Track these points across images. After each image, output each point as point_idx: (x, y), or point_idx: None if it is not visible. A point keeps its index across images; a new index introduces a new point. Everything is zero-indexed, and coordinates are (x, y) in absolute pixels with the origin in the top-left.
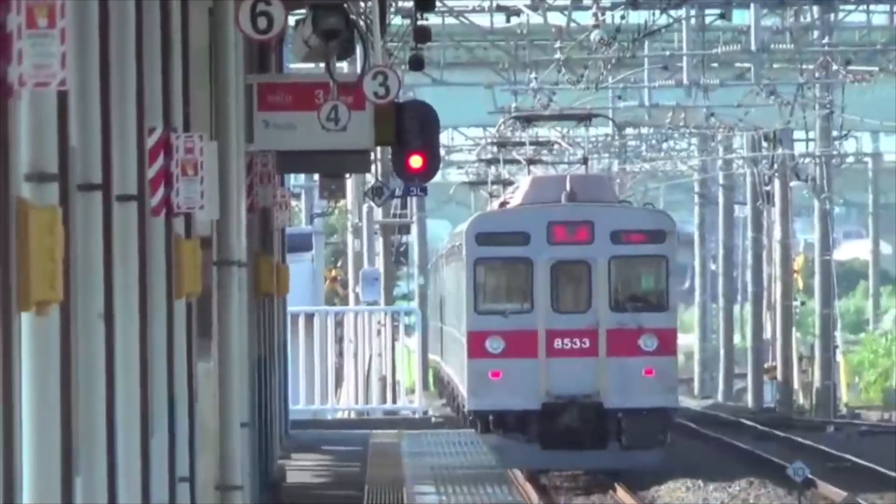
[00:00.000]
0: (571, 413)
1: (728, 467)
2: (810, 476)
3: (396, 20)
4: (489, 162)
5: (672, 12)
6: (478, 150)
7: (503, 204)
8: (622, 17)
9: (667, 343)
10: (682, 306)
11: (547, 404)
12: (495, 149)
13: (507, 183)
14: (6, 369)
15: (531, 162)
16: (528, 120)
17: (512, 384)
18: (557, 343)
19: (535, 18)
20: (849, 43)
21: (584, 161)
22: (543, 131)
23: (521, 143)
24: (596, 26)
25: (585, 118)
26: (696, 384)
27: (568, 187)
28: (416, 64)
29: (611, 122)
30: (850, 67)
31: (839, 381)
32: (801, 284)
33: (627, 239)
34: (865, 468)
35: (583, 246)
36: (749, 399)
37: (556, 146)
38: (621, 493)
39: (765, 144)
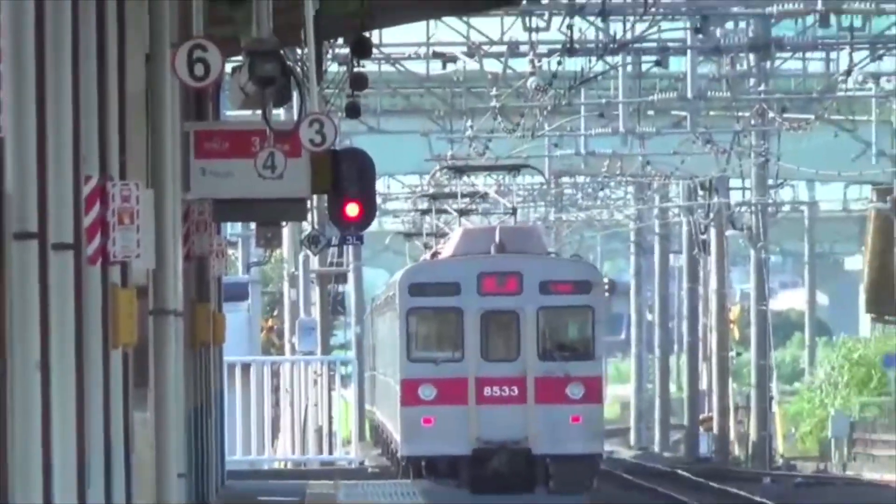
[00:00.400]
0: (501, 458)
1: None
2: None
3: (333, 67)
4: (423, 212)
5: (608, 59)
6: (413, 198)
7: (435, 255)
8: (558, 64)
9: (593, 391)
10: (619, 356)
11: (477, 450)
12: (428, 200)
13: (440, 234)
14: None
15: (462, 213)
16: (459, 171)
17: (443, 430)
18: (487, 391)
19: (472, 65)
20: (785, 91)
21: (514, 212)
22: (480, 180)
23: (453, 195)
24: (532, 73)
25: (515, 168)
26: (632, 434)
27: (497, 239)
28: (353, 111)
29: (542, 173)
30: (786, 115)
31: (775, 432)
32: (736, 334)
33: (555, 289)
34: None
35: (512, 296)
36: (683, 450)
37: (487, 197)
38: None
39: (701, 193)
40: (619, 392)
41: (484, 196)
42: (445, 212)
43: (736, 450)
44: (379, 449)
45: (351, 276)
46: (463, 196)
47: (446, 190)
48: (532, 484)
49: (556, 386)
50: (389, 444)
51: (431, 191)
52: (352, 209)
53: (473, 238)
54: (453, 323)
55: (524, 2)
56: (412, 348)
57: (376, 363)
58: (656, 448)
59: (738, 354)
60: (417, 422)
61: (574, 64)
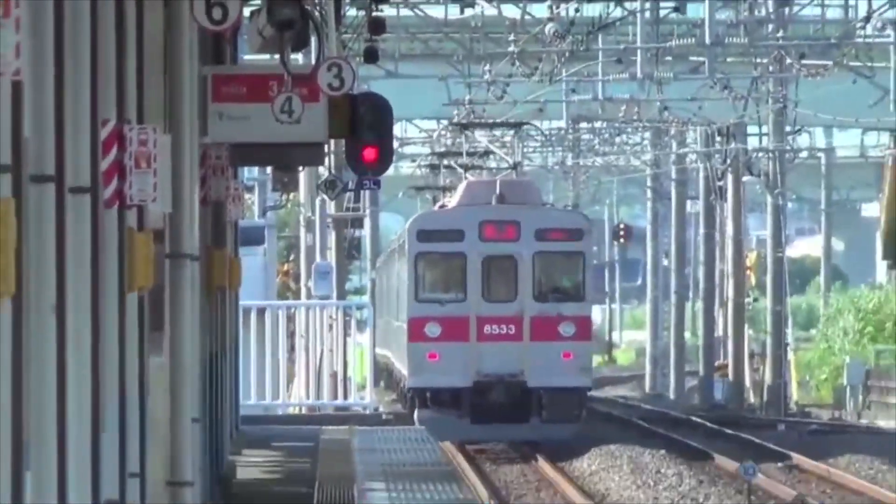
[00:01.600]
0: (499, 390)
1: (677, 466)
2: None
3: (351, 12)
4: (431, 167)
5: (626, 5)
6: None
7: (442, 206)
8: (576, 10)
9: (583, 329)
10: (634, 302)
11: (477, 383)
12: (437, 157)
13: (448, 188)
14: None
15: (467, 168)
16: (464, 127)
17: (447, 365)
18: (487, 329)
19: (490, 10)
20: (803, 37)
21: (515, 167)
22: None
23: (459, 153)
24: (550, 19)
25: (517, 126)
26: (647, 381)
27: (498, 190)
28: (371, 56)
29: (540, 130)
30: (804, 62)
31: (790, 379)
32: (753, 281)
33: (549, 236)
34: (815, 467)
35: (510, 243)
36: (697, 397)
37: (490, 153)
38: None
39: (718, 139)
40: (634, 338)
41: (487, 152)
42: (452, 168)
43: (751, 397)
44: (393, 395)
45: (367, 221)
46: (468, 153)
47: (456, 144)
48: (527, 414)
49: (549, 324)
50: (399, 382)
51: (441, 149)
52: (369, 154)
53: (476, 190)
54: (457, 267)
55: None
56: (419, 290)
57: (388, 308)
58: (671, 395)
59: (755, 301)
60: (423, 356)
61: (592, 9)
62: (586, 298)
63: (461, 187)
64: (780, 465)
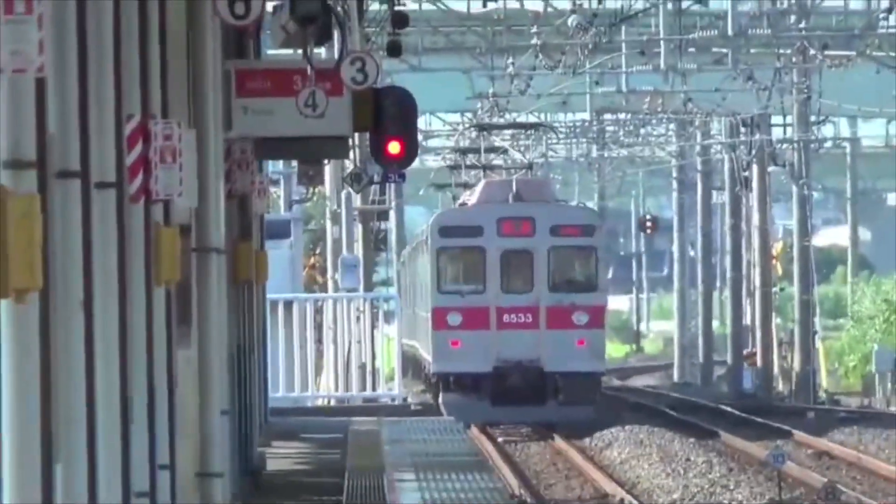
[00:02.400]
0: (517, 375)
1: (707, 454)
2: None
3: (374, 6)
4: (451, 167)
5: None
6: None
7: (462, 204)
8: (599, 2)
9: (596, 318)
10: (661, 291)
11: (497, 368)
12: (458, 155)
13: (468, 186)
14: None
15: (485, 167)
16: (483, 129)
17: (468, 351)
18: (506, 318)
19: (512, 3)
20: (826, 28)
21: (530, 167)
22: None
23: (478, 150)
24: (573, 11)
25: (533, 127)
26: (675, 370)
27: (514, 189)
28: (394, 50)
29: (554, 131)
30: (828, 52)
31: (819, 367)
32: (780, 270)
33: (563, 232)
34: (845, 454)
35: (526, 238)
36: (726, 385)
37: (507, 153)
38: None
39: (742, 130)
40: (662, 328)
41: (504, 151)
42: (473, 166)
43: (780, 385)
44: (422, 385)
45: (392, 214)
46: (486, 151)
47: (476, 141)
48: (544, 397)
49: (563, 314)
50: (424, 368)
51: (465, 143)
52: (393, 147)
53: (494, 188)
54: (477, 260)
55: None
56: (442, 282)
57: (413, 300)
58: (699, 383)
59: (782, 290)
60: (446, 344)
61: (615, 1)
62: (598, 289)
63: (479, 186)
64: (810, 451)
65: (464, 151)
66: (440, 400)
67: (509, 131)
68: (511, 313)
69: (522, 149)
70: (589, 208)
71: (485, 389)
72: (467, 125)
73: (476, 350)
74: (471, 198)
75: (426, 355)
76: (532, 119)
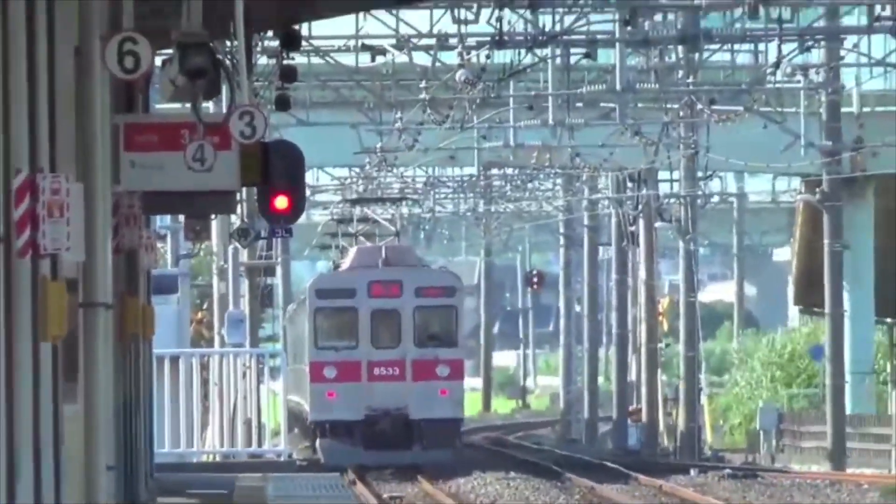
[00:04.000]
0: (386, 422)
1: None
2: None
3: (262, 60)
4: (332, 235)
5: (537, 51)
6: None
7: (337, 267)
8: (487, 57)
9: (456, 371)
10: (546, 347)
11: (368, 416)
12: (336, 224)
13: (344, 249)
14: None
15: (358, 235)
16: (355, 202)
17: (342, 401)
18: (376, 370)
19: (401, 58)
20: (713, 82)
21: (397, 234)
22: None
23: (351, 220)
24: (461, 66)
25: (399, 200)
26: (560, 426)
27: (383, 255)
28: (282, 104)
29: (419, 203)
30: (715, 107)
31: (704, 424)
32: (666, 326)
33: (427, 293)
34: None
35: (394, 298)
36: (611, 442)
37: (377, 224)
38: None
39: (629, 185)
40: (548, 383)
41: (375, 222)
42: (346, 234)
43: (665, 441)
44: (307, 442)
45: (279, 269)
46: (359, 221)
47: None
48: (410, 442)
49: (428, 367)
50: (305, 418)
51: (353, 196)
52: (281, 202)
53: (366, 254)
54: (350, 319)
55: None
56: (318, 339)
57: (296, 356)
58: (583, 440)
59: (667, 346)
60: (323, 395)
61: (503, 56)
62: (459, 344)
63: (352, 252)
64: None
65: (339, 221)
66: (317, 445)
67: (397, 187)
68: (381, 366)
69: (399, 213)
70: (450, 272)
71: (357, 435)
72: (341, 200)
73: (349, 400)
74: (345, 262)
75: (305, 405)
76: (419, 173)
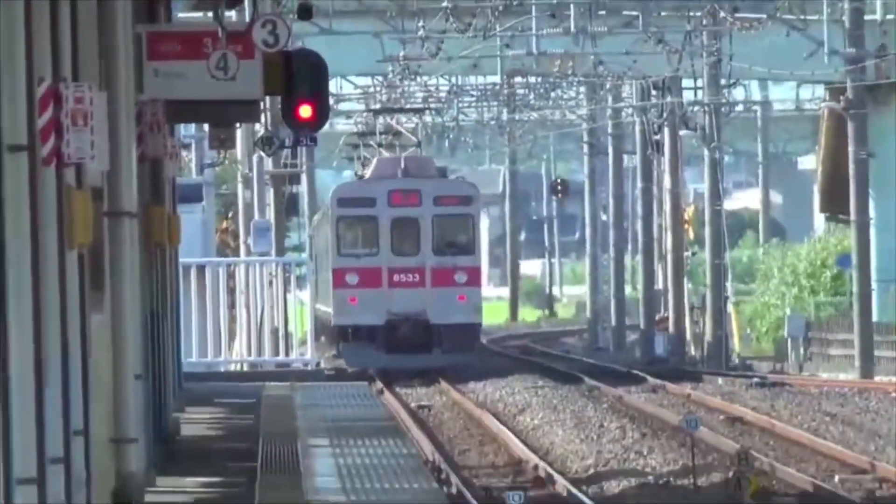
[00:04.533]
0: (406, 327)
1: (620, 419)
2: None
3: None
4: (353, 146)
5: None
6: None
7: (360, 177)
8: None
9: (473, 278)
10: (573, 256)
11: (389, 321)
12: (357, 137)
13: (367, 160)
14: None
15: (381, 145)
16: (378, 112)
17: (365, 306)
18: (396, 277)
19: None
20: None
21: (418, 145)
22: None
23: (373, 133)
24: None
25: (420, 111)
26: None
27: (403, 165)
28: (305, 13)
29: (440, 112)
30: (738, 15)
31: (731, 332)
32: (691, 234)
33: (445, 202)
34: (757, 419)
35: (413, 207)
36: (639, 351)
37: (399, 134)
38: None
39: (654, 93)
40: (574, 292)
41: (397, 133)
42: (370, 145)
43: (692, 350)
44: (334, 350)
45: (304, 178)
46: (381, 133)
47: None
48: (430, 346)
49: (446, 273)
50: (328, 324)
51: (376, 105)
52: (305, 110)
53: (386, 164)
54: (371, 227)
55: None
56: (341, 246)
57: (318, 264)
58: (611, 349)
59: (693, 254)
60: (346, 300)
61: None
62: (476, 252)
63: (374, 162)
64: (722, 417)
65: (361, 134)
66: (340, 348)
67: (420, 95)
68: (401, 273)
69: (421, 123)
70: (467, 182)
71: (379, 339)
72: (364, 110)
73: (371, 305)
74: (367, 172)
75: (329, 311)
76: (443, 81)
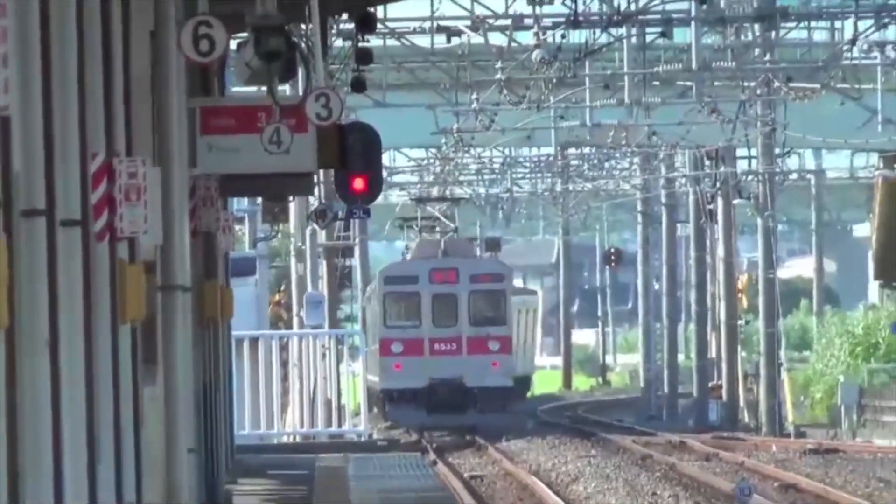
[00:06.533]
0: (445, 390)
1: (674, 488)
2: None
3: (338, 42)
4: (401, 227)
5: (613, 31)
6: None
7: (403, 257)
8: (563, 37)
9: (505, 345)
10: (625, 325)
11: (430, 385)
12: (401, 221)
13: (408, 245)
14: None
15: (422, 230)
16: (419, 201)
17: (408, 372)
18: (436, 346)
19: (476, 39)
20: (790, 60)
21: (455, 230)
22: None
23: (415, 218)
24: (537, 46)
25: (457, 201)
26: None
27: (442, 247)
28: (358, 86)
29: (472, 201)
30: (792, 84)
31: (784, 399)
32: (745, 303)
33: (480, 280)
34: (812, 487)
35: (452, 284)
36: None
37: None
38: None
39: (707, 162)
40: (627, 360)
41: (436, 219)
42: (411, 228)
43: (746, 417)
44: (388, 421)
45: (357, 250)
46: (422, 219)
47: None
48: (466, 407)
49: (481, 343)
50: (376, 391)
51: (430, 178)
52: (358, 183)
53: (427, 246)
54: (414, 302)
55: None
56: (387, 319)
57: (368, 337)
58: (664, 417)
59: (747, 322)
60: (391, 367)
61: (578, 36)
62: (507, 323)
63: (416, 244)
64: (776, 484)
65: (405, 220)
66: (386, 409)
67: (474, 167)
68: (440, 342)
69: (455, 210)
70: (500, 261)
71: (421, 401)
72: (409, 198)
73: (414, 371)
74: (410, 254)
75: (376, 378)
76: (496, 153)
